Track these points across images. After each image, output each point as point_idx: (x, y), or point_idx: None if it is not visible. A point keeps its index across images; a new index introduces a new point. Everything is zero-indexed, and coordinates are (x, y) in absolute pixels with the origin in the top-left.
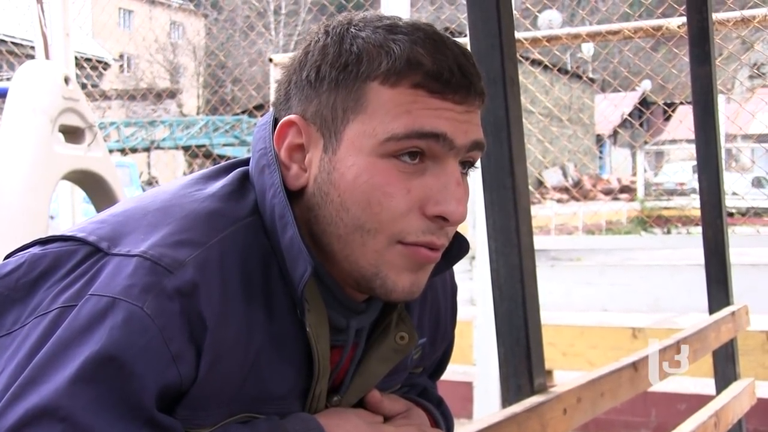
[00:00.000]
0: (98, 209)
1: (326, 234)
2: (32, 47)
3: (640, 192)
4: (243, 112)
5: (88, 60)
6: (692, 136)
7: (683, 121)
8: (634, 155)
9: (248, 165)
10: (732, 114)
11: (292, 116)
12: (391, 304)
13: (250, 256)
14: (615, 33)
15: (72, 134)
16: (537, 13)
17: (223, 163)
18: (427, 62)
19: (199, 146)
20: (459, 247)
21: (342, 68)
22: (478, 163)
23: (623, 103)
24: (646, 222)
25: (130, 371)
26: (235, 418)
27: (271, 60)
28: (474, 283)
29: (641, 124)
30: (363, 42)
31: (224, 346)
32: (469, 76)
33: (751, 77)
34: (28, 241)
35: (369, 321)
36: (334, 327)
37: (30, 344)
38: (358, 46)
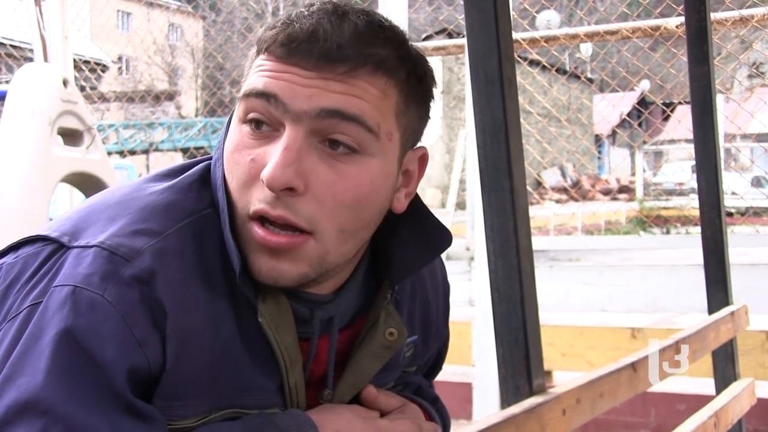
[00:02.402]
0: None
1: None
2: (31, 50)
3: (639, 192)
4: None
5: (86, 62)
6: (691, 136)
7: (682, 120)
8: (632, 155)
9: None
10: (731, 113)
11: None
12: (377, 300)
13: (208, 247)
14: (613, 33)
15: (70, 137)
16: (535, 14)
17: (190, 160)
18: (282, 28)
19: (197, 148)
20: (441, 238)
21: None
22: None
23: (622, 103)
24: (645, 222)
25: (101, 359)
26: (223, 413)
27: None
28: (472, 284)
29: (640, 124)
30: None
31: (188, 332)
32: (327, 43)
33: (750, 77)
34: (2, 249)
35: (338, 310)
36: (300, 318)
37: (4, 347)
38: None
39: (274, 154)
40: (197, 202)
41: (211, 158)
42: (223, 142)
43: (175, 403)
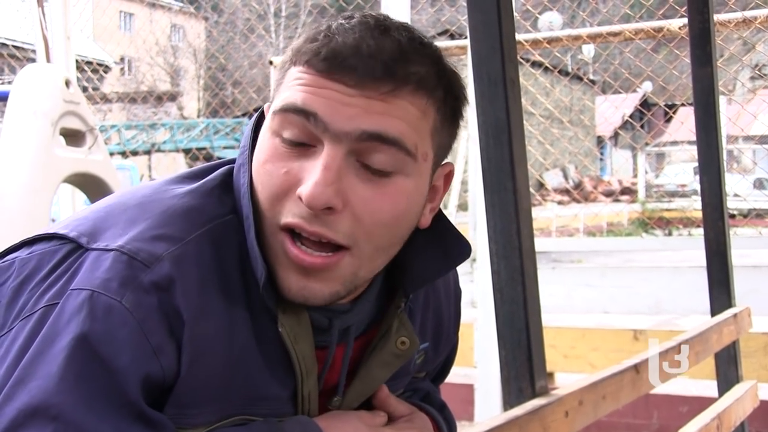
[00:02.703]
0: None
1: None
2: (33, 51)
3: (641, 194)
4: (243, 115)
5: (89, 63)
6: (693, 138)
7: (684, 122)
8: (635, 157)
9: None
10: (733, 115)
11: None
12: (391, 308)
13: (228, 254)
14: (616, 34)
15: (73, 137)
16: (537, 15)
17: (212, 162)
18: (325, 42)
19: (199, 149)
20: (460, 250)
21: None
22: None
23: (624, 104)
24: (647, 224)
25: (115, 366)
26: (231, 420)
27: (271, 62)
28: (475, 285)
29: (642, 126)
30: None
31: (204, 340)
32: (372, 60)
33: (752, 78)
34: (15, 243)
35: (355, 320)
36: (317, 327)
37: (18, 347)
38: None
39: (311, 171)
40: (218, 207)
41: (232, 161)
42: (248, 149)
43: (189, 411)
